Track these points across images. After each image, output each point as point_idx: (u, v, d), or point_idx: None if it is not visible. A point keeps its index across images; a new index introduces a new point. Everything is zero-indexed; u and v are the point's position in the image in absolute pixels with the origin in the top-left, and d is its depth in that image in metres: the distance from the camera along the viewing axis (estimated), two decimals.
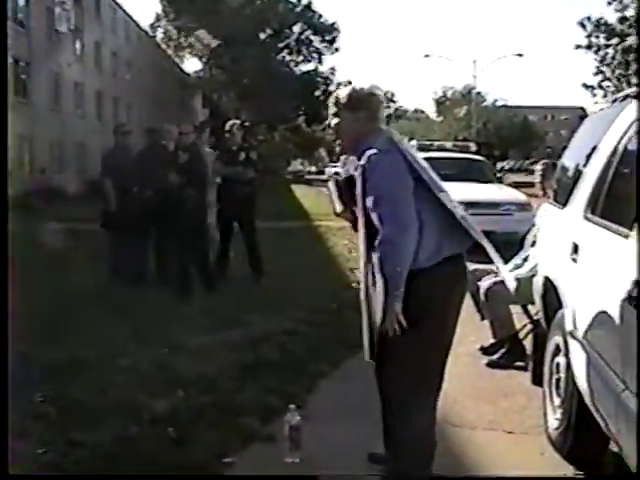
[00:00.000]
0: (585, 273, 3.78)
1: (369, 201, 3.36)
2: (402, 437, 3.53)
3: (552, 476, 4.07)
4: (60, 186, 31.61)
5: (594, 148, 4.28)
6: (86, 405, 4.81)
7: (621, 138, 3.82)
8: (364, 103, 3.60)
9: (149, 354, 6.00)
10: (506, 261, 6.59)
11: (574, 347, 3.81)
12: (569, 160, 5.28)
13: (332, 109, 3.68)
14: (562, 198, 4.75)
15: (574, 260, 3.97)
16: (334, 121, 3.68)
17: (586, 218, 4.01)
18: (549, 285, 4.60)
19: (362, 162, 3.41)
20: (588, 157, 4.40)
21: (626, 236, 3.19)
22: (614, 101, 4.67)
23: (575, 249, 3.98)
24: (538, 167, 6.68)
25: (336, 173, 4.12)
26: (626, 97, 4.28)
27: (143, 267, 9.23)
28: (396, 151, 3.43)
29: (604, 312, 3.28)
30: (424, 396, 3.58)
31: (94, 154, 36.55)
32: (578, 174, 4.54)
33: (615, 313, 3.11)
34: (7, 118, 5.18)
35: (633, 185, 3.36)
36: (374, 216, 3.34)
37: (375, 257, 3.34)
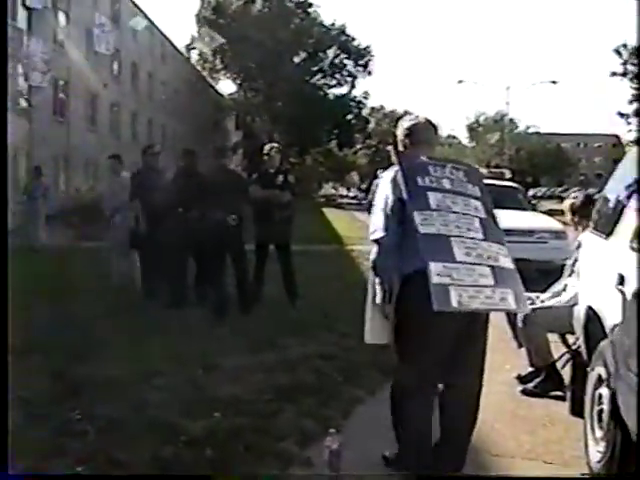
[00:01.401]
0: (632, 304, 3.74)
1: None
2: (399, 432, 4.03)
3: (558, 476, 4.07)
4: (94, 205, 31.89)
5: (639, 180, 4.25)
6: (123, 424, 4.82)
7: None
8: (397, 131, 4.22)
9: (185, 374, 6.02)
10: (544, 289, 6.59)
11: (619, 379, 3.77)
12: (613, 190, 5.24)
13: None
14: (606, 228, 4.71)
15: (620, 291, 3.93)
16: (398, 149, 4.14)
17: (632, 248, 3.97)
18: (592, 315, 4.56)
19: None
20: (633, 188, 4.37)
21: None
22: None
23: (621, 280, 3.94)
24: (567, 202, 6.59)
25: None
26: None
27: (180, 287, 9.24)
28: (388, 177, 3.92)
29: None
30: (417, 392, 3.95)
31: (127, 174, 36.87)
32: (623, 205, 4.50)
33: None
34: (7, 119, 5.23)
35: None
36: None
37: None
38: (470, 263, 3.68)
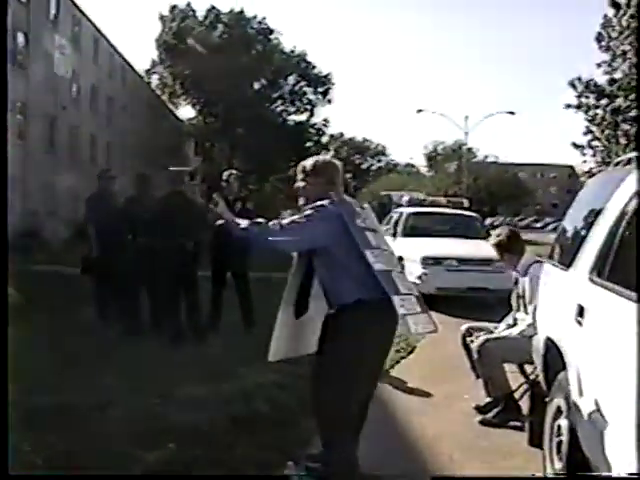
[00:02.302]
0: (591, 336, 3.74)
1: (300, 225, 4.13)
2: (331, 441, 4.14)
3: (551, 476, 4.09)
4: (52, 228, 31.55)
5: (599, 211, 4.28)
6: (75, 456, 4.70)
7: (629, 201, 3.81)
8: (324, 170, 4.41)
9: (139, 403, 5.90)
10: (500, 319, 6.62)
11: (578, 410, 3.76)
12: (571, 221, 5.27)
13: (300, 175, 4.47)
14: (565, 259, 4.73)
15: (579, 322, 3.93)
16: (301, 184, 4.45)
17: (592, 280, 3.98)
18: (551, 346, 4.56)
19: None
20: (592, 219, 4.39)
21: (636, 300, 3.16)
22: (617, 164, 4.70)
23: (580, 311, 3.94)
24: (493, 239, 6.57)
25: None
26: (629, 161, 4.31)
27: (133, 315, 9.10)
28: (336, 211, 4.15)
29: (612, 375, 3.23)
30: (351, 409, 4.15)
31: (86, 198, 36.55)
32: (583, 236, 4.52)
33: (623, 375, 3.07)
34: (6, 120, 5.16)
35: None
36: (285, 222, 4.17)
37: (249, 227, 4.20)
38: (407, 294, 4.10)
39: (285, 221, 4.19)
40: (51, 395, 5.96)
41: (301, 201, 4.48)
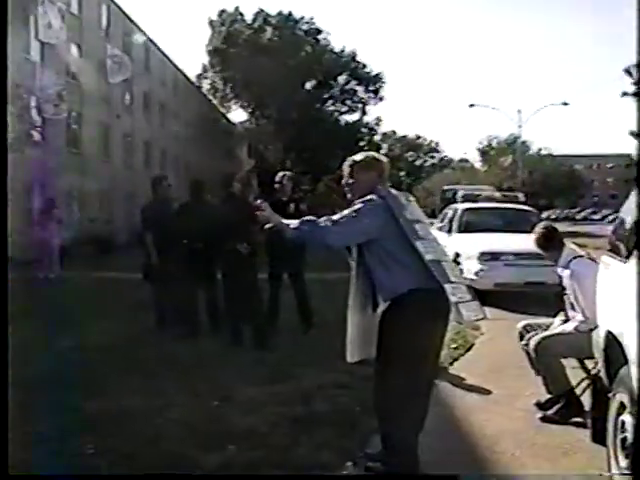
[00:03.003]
0: None
1: (351, 218, 4.19)
2: (392, 440, 4.20)
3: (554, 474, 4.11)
4: (109, 236, 32.05)
5: None
6: (136, 458, 4.76)
7: None
8: (373, 166, 4.53)
9: (199, 406, 5.96)
10: (555, 314, 6.52)
11: None
12: (629, 212, 5.16)
13: (348, 170, 4.55)
14: (624, 251, 4.63)
15: None
16: (350, 180, 4.53)
17: None
18: (612, 340, 4.47)
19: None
20: None
21: None
22: None
23: None
24: (533, 237, 6.50)
25: None
26: None
27: (192, 319, 9.19)
28: (385, 203, 4.25)
29: None
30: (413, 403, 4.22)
31: (142, 204, 37.05)
32: None
33: None
34: (7, 120, 5.24)
35: None
36: (335, 217, 4.21)
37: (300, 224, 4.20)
38: (457, 282, 4.24)
39: (336, 216, 4.24)
40: (112, 399, 6.07)
41: (349, 196, 4.55)
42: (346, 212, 4.25)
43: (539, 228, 6.50)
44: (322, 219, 4.21)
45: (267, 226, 4.37)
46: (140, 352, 7.95)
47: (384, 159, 4.65)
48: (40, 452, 4.85)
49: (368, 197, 4.29)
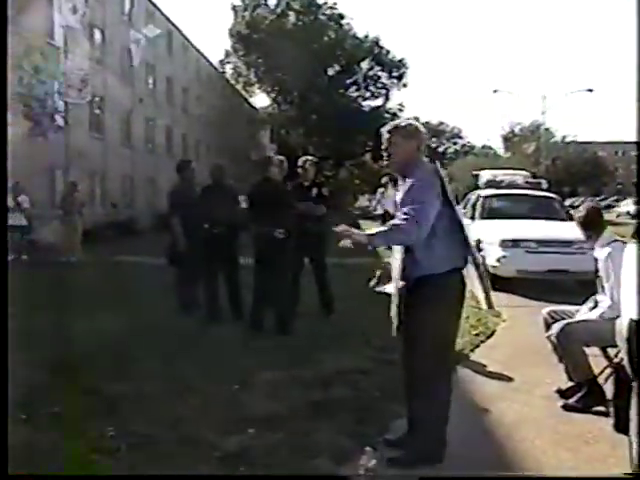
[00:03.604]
0: None
1: (406, 201, 4.24)
2: (422, 417, 4.35)
3: (556, 476, 4.12)
4: (130, 220, 32.19)
5: None
6: (156, 441, 4.78)
7: None
8: (416, 134, 4.50)
9: (219, 390, 5.97)
10: (582, 301, 6.45)
11: None
12: None
13: (387, 135, 4.52)
14: None
15: None
16: (390, 147, 4.50)
17: None
18: (636, 328, 4.41)
19: (412, 179, 4.31)
20: None
21: None
22: None
23: None
24: (576, 216, 6.41)
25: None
26: None
27: (215, 303, 9.21)
28: (438, 178, 4.33)
29: None
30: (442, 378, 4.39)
31: (163, 189, 37.17)
32: None
33: None
34: (7, 119, 5.24)
35: None
36: (402, 209, 4.21)
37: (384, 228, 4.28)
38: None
39: (405, 210, 4.20)
40: (133, 382, 6.09)
41: (386, 163, 4.59)
42: (408, 202, 4.22)
43: (584, 207, 6.41)
44: (395, 221, 4.22)
45: (348, 244, 4.39)
46: (162, 336, 7.97)
47: (424, 130, 4.61)
48: (58, 433, 4.88)
49: (424, 177, 4.31)
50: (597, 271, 6.14)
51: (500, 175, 17.93)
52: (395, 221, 4.22)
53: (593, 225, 6.20)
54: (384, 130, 4.55)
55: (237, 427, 5.01)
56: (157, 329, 8.32)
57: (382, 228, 4.29)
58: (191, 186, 9.85)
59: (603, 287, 6.00)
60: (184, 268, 9.56)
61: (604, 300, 5.90)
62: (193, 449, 4.64)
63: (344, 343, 7.69)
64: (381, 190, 22.11)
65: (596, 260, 6.13)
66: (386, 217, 20.06)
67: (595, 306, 6.14)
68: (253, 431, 4.94)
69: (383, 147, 4.55)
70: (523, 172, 20.93)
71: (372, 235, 4.24)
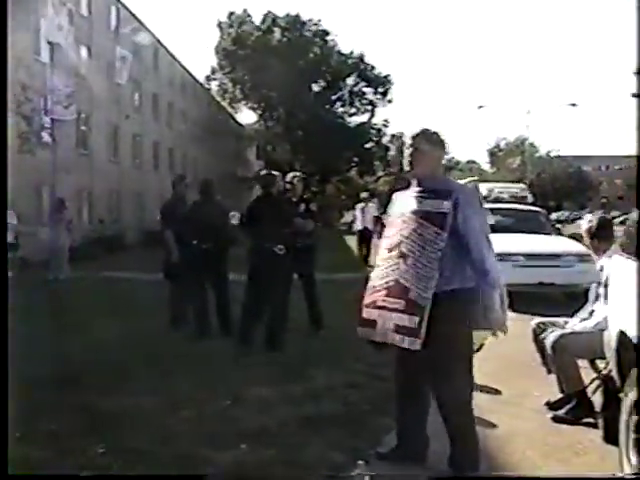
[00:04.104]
0: None
1: (476, 222, 4.29)
2: (467, 431, 4.46)
3: (552, 476, 4.22)
4: (118, 236, 32.13)
5: None
6: (149, 457, 4.77)
7: None
8: (441, 145, 4.47)
9: (211, 405, 5.98)
10: (571, 314, 6.50)
11: None
12: None
13: (414, 141, 4.39)
14: (637, 251, 4.64)
15: None
16: (416, 153, 4.38)
17: None
18: (624, 339, 4.47)
19: (458, 190, 4.30)
20: None
21: None
22: None
23: None
24: (584, 226, 6.47)
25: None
26: None
27: (204, 318, 9.21)
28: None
29: None
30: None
31: (150, 204, 37.16)
32: None
33: None
34: (7, 120, 5.24)
35: None
36: (478, 236, 4.28)
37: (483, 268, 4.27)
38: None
39: (485, 233, 4.38)
40: (124, 398, 6.10)
41: (408, 168, 4.46)
42: (478, 224, 4.32)
43: (594, 217, 6.49)
44: (488, 251, 4.34)
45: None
46: (152, 351, 7.98)
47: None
48: (51, 450, 4.87)
49: (472, 193, 4.43)
50: (601, 280, 6.13)
51: (497, 188, 17.92)
52: (487, 250, 4.34)
53: (604, 235, 6.24)
54: (412, 135, 4.45)
55: (230, 442, 5.02)
56: (148, 345, 8.32)
57: (496, 298, 4.37)
58: (183, 201, 9.89)
59: (598, 295, 6.04)
60: (178, 282, 9.58)
61: (602, 310, 5.91)
62: (186, 464, 4.65)
63: (334, 358, 7.71)
64: (360, 206, 21.22)
65: (601, 269, 6.12)
66: (365, 234, 20.01)
67: (589, 317, 6.17)
68: (245, 446, 4.95)
69: (410, 153, 4.44)
70: (520, 185, 20.91)
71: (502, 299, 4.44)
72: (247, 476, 4.34)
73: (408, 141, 4.42)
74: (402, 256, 4.35)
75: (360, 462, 4.14)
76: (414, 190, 4.47)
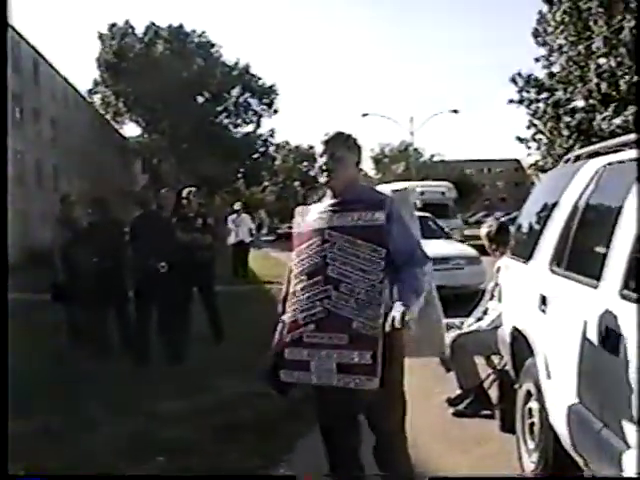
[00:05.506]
0: (555, 322, 4.01)
1: (413, 231, 3.88)
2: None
3: (557, 476, 4.21)
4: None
5: (554, 205, 4.56)
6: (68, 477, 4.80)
7: (582, 194, 4.11)
8: (358, 148, 3.88)
9: (124, 422, 6.02)
10: (467, 314, 6.87)
11: (548, 392, 4.03)
12: (529, 216, 5.55)
13: (327, 145, 3.79)
14: (525, 252, 4.99)
15: (543, 311, 4.20)
16: (331, 161, 3.74)
17: (552, 271, 4.25)
18: (517, 335, 4.82)
19: (389, 199, 3.70)
20: (548, 213, 4.68)
21: (595, 287, 3.43)
22: (566, 161, 5.02)
23: (543, 301, 4.21)
24: (483, 230, 6.88)
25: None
26: (577, 158, 4.66)
27: (105, 338, 9.15)
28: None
29: (577, 357, 3.50)
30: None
31: (35, 222, 36.23)
32: (539, 229, 4.80)
33: (588, 357, 3.36)
34: (7, 120, 5.20)
35: (597, 237, 3.66)
36: (413, 243, 3.74)
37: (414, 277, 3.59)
38: None
39: (416, 238, 3.86)
40: (35, 420, 6.04)
41: (324, 180, 3.80)
42: (406, 232, 3.72)
43: (492, 222, 6.89)
44: (417, 255, 3.72)
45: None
46: (55, 373, 7.89)
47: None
48: None
49: (403, 200, 4.21)
50: (497, 281, 6.48)
51: (419, 188, 17.82)
52: (416, 259, 3.70)
53: (500, 240, 6.64)
54: (324, 139, 3.83)
55: (147, 455, 5.11)
56: (50, 365, 8.22)
57: (411, 280, 3.58)
58: (72, 219, 9.65)
59: (493, 295, 6.42)
60: (68, 304, 9.44)
61: (497, 307, 6.25)
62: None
63: (238, 368, 7.80)
64: (232, 217, 20.57)
65: (497, 270, 6.48)
66: (243, 245, 20.05)
67: (483, 315, 6.54)
68: (163, 458, 5.04)
69: (322, 160, 3.81)
70: (444, 182, 20.92)
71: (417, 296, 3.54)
72: None
73: (320, 147, 3.82)
74: (330, 282, 3.61)
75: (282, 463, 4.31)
76: (330, 202, 3.80)
